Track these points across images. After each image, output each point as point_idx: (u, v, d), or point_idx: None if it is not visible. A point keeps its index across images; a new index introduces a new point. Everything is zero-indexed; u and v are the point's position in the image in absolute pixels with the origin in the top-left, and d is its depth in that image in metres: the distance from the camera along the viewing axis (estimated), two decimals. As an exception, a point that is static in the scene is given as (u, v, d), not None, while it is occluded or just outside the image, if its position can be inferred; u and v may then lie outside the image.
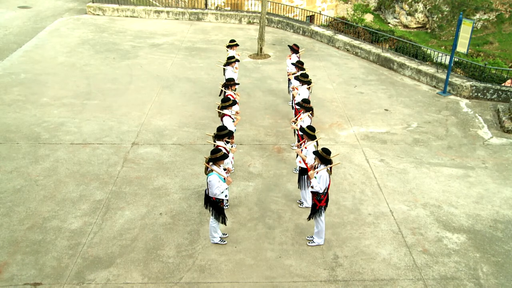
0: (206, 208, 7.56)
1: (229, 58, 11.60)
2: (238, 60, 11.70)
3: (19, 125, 11.35)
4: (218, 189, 7.20)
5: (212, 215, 7.49)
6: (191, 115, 12.15)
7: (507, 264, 7.55)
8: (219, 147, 7.68)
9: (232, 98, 9.36)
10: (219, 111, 9.20)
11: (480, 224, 8.43)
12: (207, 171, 7.25)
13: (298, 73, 10.83)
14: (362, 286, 7.07)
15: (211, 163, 7.27)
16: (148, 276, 7.16)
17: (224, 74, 11.71)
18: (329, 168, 7.26)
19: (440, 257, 7.64)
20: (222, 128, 8.19)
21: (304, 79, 10.34)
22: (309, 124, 9.06)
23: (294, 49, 12.19)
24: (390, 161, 10.29)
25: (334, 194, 8.96)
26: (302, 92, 10.24)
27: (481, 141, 11.20)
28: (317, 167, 7.41)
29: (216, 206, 7.40)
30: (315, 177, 7.30)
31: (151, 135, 11.12)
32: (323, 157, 7.24)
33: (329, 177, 7.32)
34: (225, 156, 7.34)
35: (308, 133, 8.11)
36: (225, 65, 11.56)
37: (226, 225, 7.80)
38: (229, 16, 20.60)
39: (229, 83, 10.10)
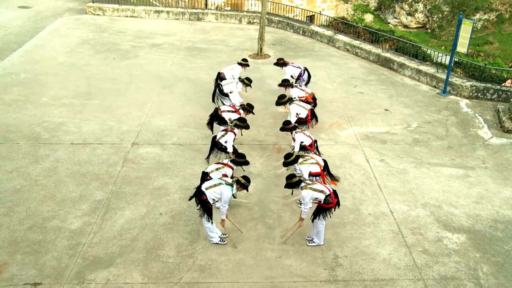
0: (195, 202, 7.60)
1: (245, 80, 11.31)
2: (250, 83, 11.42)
3: (19, 125, 11.35)
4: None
5: (201, 212, 7.48)
6: (191, 115, 12.15)
7: (507, 264, 7.55)
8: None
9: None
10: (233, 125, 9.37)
11: (480, 224, 8.43)
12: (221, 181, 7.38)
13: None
14: (362, 286, 7.08)
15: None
16: (148, 276, 7.16)
17: (219, 80, 11.61)
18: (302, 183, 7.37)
19: (440, 257, 7.64)
20: (240, 155, 8.28)
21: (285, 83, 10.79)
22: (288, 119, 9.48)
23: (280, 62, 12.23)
24: (390, 161, 10.29)
25: (334, 194, 8.96)
26: (293, 92, 10.61)
27: (481, 141, 11.20)
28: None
29: (205, 205, 7.39)
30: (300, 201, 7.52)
31: (151, 135, 11.12)
32: (243, 183, 7.47)
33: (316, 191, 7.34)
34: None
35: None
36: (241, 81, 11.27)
37: (212, 223, 7.70)
38: (229, 16, 20.60)
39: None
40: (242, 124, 9.35)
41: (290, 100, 10.39)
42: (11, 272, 7.17)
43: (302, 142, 9.00)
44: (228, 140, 8.99)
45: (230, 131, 9.12)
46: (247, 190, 7.71)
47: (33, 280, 7.06)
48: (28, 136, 10.91)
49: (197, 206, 7.51)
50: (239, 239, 7.94)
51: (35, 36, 17.74)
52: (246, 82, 11.18)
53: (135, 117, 11.92)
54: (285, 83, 11.16)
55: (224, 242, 7.79)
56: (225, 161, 8.22)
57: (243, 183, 7.45)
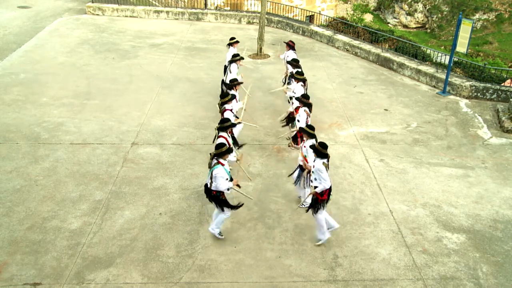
0: (209, 201, 7.58)
1: (234, 55, 11.52)
2: (242, 58, 11.62)
3: (19, 125, 11.35)
4: (223, 185, 7.25)
5: (217, 208, 7.50)
6: (191, 115, 12.15)
7: (507, 264, 7.55)
8: (223, 142, 7.76)
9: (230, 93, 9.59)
10: (220, 107, 9.36)
11: (480, 224, 8.44)
12: (212, 165, 7.27)
13: (294, 71, 10.98)
14: (362, 286, 7.08)
15: (215, 158, 7.33)
16: (147, 276, 7.16)
17: (225, 73, 11.68)
18: (326, 162, 7.26)
19: (439, 257, 7.65)
20: (225, 120, 8.36)
21: (299, 77, 10.48)
22: (305, 120, 9.12)
23: (290, 45, 12.33)
24: (389, 161, 10.30)
25: (334, 194, 8.91)
26: (297, 89, 10.36)
27: (481, 141, 11.21)
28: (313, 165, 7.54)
29: (218, 200, 7.41)
30: (315, 179, 7.33)
31: (150, 135, 11.12)
32: (319, 151, 7.27)
33: (327, 170, 7.31)
34: (230, 150, 7.48)
35: (308, 132, 8.12)
36: (230, 63, 11.46)
37: (236, 210, 7.72)
38: (229, 16, 20.60)
39: (233, 84, 10.20)
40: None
41: (304, 80, 10.65)
42: (10, 272, 7.17)
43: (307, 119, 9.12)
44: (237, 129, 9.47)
45: (224, 111, 9.24)
46: (229, 152, 7.51)
47: (33, 280, 7.05)
48: (27, 136, 10.90)
49: (216, 206, 7.51)
50: (239, 239, 7.94)
51: (34, 36, 17.74)
52: (236, 59, 11.26)
53: (134, 117, 11.92)
54: (298, 63, 11.28)
55: (222, 236, 7.83)
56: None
57: (217, 154, 7.33)
